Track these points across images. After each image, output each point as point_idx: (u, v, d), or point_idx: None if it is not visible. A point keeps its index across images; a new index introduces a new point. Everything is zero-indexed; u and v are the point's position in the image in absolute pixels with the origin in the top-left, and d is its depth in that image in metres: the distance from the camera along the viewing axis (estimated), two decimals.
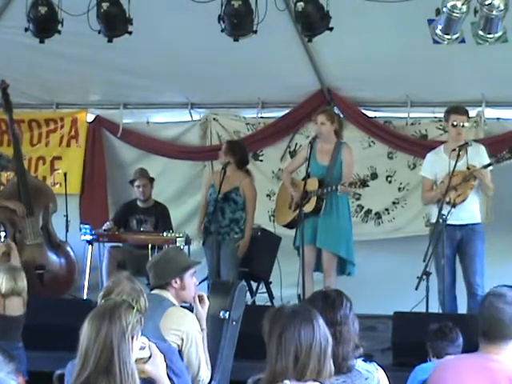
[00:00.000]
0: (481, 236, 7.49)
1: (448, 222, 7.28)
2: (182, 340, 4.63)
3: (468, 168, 7.42)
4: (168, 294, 4.81)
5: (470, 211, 7.46)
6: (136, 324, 3.42)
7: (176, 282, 4.84)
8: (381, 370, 3.68)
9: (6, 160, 8.71)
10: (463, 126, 7.52)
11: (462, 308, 7.48)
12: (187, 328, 4.66)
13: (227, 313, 5.12)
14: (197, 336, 4.68)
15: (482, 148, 7.58)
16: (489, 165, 7.37)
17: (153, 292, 4.87)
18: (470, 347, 3.75)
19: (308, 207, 7.71)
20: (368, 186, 8.04)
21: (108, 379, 3.31)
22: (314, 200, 7.74)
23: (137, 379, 3.38)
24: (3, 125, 9.57)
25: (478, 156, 7.46)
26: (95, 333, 3.34)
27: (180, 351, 4.49)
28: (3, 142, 9.85)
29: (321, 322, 3.21)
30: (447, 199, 7.32)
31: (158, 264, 4.92)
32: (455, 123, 7.49)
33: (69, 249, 8.76)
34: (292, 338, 3.12)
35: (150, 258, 8.52)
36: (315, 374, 3.15)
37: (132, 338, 3.39)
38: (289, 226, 8.15)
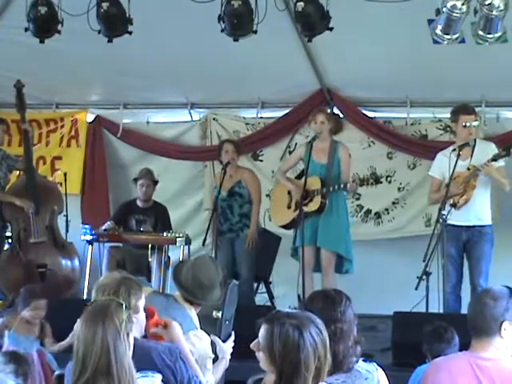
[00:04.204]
0: (489, 238, 7.42)
1: (453, 223, 7.30)
2: (195, 361, 4.64)
3: (468, 169, 7.41)
4: (192, 310, 4.82)
5: (476, 212, 7.40)
6: (128, 321, 3.44)
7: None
8: (380, 370, 3.68)
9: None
10: (474, 125, 7.49)
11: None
12: (200, 351, 4.67)
13: (220, 312, 5.14)
14: (206, 361, 4.69)
15: (493, 146, 7.48)
16: (493, 159, 7.30)
17: (180, 301, 4.84)
18: (467, 348, 3.76)
19: (312, 206, 7.71)
20: (381, 182, 8.05)
21: (107, 380, 3.32)
22: (318, 199, 7.74)
23: (134, 377, 3.39)
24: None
25: (488, 155, 7.34)
26: (91, 336, 3.35)
27: None
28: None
29: (320, 322, 3.17)
30: (451, 200, 7.32)
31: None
32: (467, 124, 7.41)
33: (74, 250, 8.73)
34: (313, 356, 3.01)
35: (150, 258, 8.60)
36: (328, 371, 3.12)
37: (127, 335, 3.41)
38: (287, 226, 8.14)
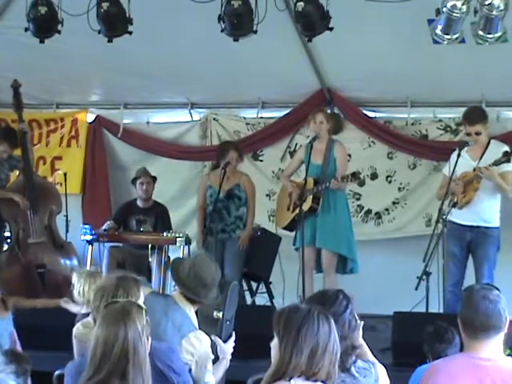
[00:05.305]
0: (493, 240, 7.39)
1: (457, 221, 7.33)
2: (195, 363, 4.64)
3: (474, 170, 7.39)
4: (192, 310, 4.81)
5: (480, 213, 7.37)
6: (147, 325, 3.44)
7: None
8: (378, 365, 3.66)
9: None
10: (478, 133, 7.43)
11: None
12: (201, 352, 4.67)
13: (221, 312, 5.14)
14: (206, 362, 4.69)
15: (505, 148, 7.42)
16: (494, 164, 7.28)
17: (179, 301, 4.84)
18: None
19: (304, 206, 7.70)
20: (360, 178, 8.03)
21: (121, 383, 3.31)
22: (309, 199, 7.76)
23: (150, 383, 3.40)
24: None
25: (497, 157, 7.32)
26: (113, 337, 3.34)
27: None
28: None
29: (333, 324, 3.22)
30: (455, 199, 7.32)
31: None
32: (469, 133, 7.48)
33: (73, 250, 8.71)
34: (311, 334, 3.13)
35: (150, 258, 8.61)
36: (325, 374, 3.15)
37: (147, 338, 3.41)
38: (288, 228, 8.16)
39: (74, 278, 4.99)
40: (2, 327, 6.25)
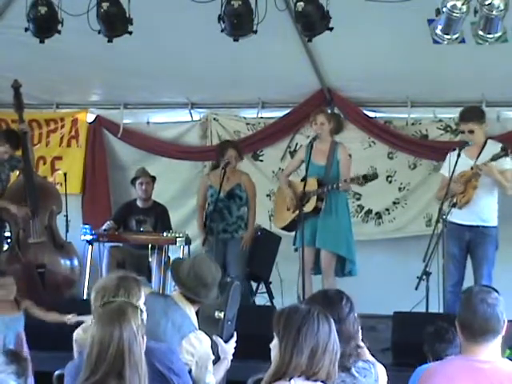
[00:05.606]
0: (492, 240, 7.37)
1: (456, 222, 7.32)
2: (196, 363, 4.63)
3: (471, 168, 7.39)
4: (192, 310, 4.80)
5: (479, 213, 7.36)
6: (142, 324, 3.44)
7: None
8: (378, 365, 3.67)
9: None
10: (471, 132, 7.45)
11: None
12: (201, 353, 4.65)
13: (222, 313, 5.14)
14: (207, 363, 4.68)
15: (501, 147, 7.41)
16: (492, 159, 7.27)
17: (179, 301, 4.83)
18: None
19: (308, 207, 7.71)
20: (369, 180, 8.03)
21: (119, 383, 3.31)
22: (313, 200, 7.76)
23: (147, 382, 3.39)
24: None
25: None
26: (108, 338, 3.34)
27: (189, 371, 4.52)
28: None
29: (333, 324, 3.23)
30: (454, 199, 7.33)
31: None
32: (463, 131, 7.53)
33: (73, 250, 8.72)
34: (311, 334, 3.15)
35: (150, 258, 8.61)
36: (325, 374, 3.16)
37: (143, 337, 3.41)
38: (287, 228, 8.16)
39: None
40: (12, 327, 6.27)
